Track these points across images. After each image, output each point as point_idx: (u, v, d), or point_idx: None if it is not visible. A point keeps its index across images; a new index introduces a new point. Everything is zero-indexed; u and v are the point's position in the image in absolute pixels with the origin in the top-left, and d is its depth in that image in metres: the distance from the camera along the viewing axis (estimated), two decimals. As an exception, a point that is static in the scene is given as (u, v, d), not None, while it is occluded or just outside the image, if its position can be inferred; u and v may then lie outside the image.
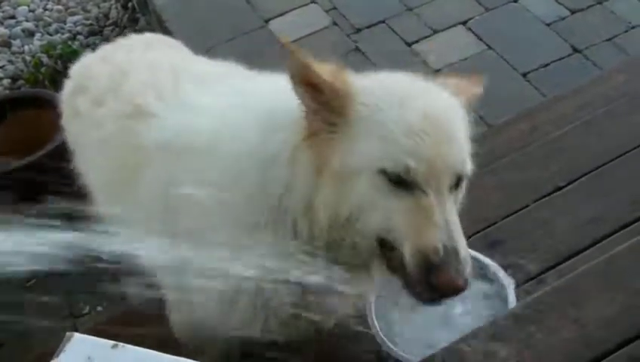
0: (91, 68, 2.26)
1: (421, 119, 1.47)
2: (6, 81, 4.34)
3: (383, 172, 1.45)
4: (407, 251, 1.44)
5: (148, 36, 2.50)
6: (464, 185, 1.56)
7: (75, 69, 2.36)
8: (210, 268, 1.59)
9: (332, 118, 1.51)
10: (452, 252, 1.42)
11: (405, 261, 1.45)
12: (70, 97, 2.26)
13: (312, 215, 1.55)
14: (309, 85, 1.51)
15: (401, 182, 1.45)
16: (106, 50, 2.38)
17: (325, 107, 1.51)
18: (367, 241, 1.52)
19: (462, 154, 1.51)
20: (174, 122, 1.84)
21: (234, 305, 1.73)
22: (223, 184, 1.64)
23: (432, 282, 1.42)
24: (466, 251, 1.45)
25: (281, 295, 1.66)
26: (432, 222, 1.43)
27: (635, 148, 2.59)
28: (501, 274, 2.07)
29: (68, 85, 2.32)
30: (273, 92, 1.68)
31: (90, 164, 2.16)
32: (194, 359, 1.13)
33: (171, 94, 1.93)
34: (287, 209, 1.59)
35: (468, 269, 1.44)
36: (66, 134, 2.38)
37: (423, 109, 1.49)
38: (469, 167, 1.53)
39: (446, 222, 1.44)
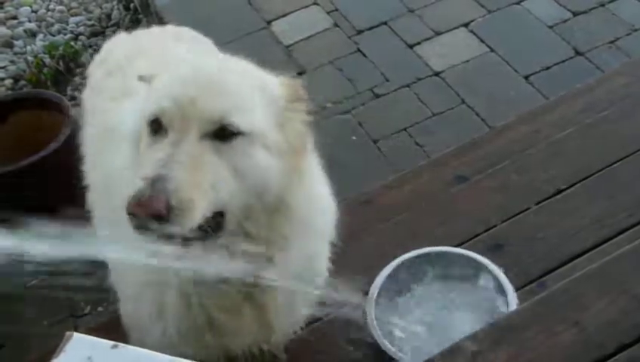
0: (118, 43, 2.31)
1: (187, 71, 1.45)
2: (8, 82, 4.33)
3: (148, 123, 1.41)
4: None
5: (182, 29, 2.43)
6: (244, 143, 1.40)
7: (106, 44, 2.41)
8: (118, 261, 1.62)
9: None
10: (155, 179, 1.27)
11: None
12: (93, 69, 2.30)
13: None
14: None
15: (159, 130, 1.39)
16: (140, 32, 2.41)
17: None
18: None
19: (226, 104, 1.40)
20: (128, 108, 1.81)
21: (137, 304, 1.67)
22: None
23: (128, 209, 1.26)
24: (176, 184, 1.28)
25: (178, 305, 1.59)
26: (152, 158, 1.33)
27: (636, 151, 2.59)
28: (501, 277, 2.08)
29: (96, 58, 2.37)
30: None
31: (86, 133, 2.15)
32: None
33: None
34: None
35: (170, 197, 1.26)
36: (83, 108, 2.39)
37: (193, 64, 1.49)
38: (241, 121, 1.39)
39: (170, 157, 1.31)
